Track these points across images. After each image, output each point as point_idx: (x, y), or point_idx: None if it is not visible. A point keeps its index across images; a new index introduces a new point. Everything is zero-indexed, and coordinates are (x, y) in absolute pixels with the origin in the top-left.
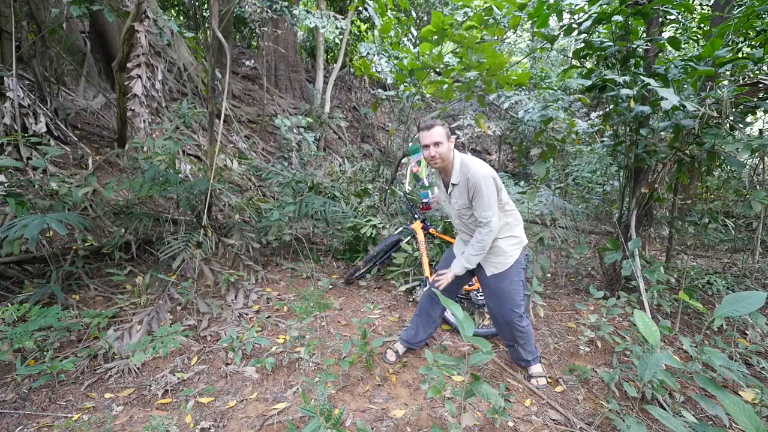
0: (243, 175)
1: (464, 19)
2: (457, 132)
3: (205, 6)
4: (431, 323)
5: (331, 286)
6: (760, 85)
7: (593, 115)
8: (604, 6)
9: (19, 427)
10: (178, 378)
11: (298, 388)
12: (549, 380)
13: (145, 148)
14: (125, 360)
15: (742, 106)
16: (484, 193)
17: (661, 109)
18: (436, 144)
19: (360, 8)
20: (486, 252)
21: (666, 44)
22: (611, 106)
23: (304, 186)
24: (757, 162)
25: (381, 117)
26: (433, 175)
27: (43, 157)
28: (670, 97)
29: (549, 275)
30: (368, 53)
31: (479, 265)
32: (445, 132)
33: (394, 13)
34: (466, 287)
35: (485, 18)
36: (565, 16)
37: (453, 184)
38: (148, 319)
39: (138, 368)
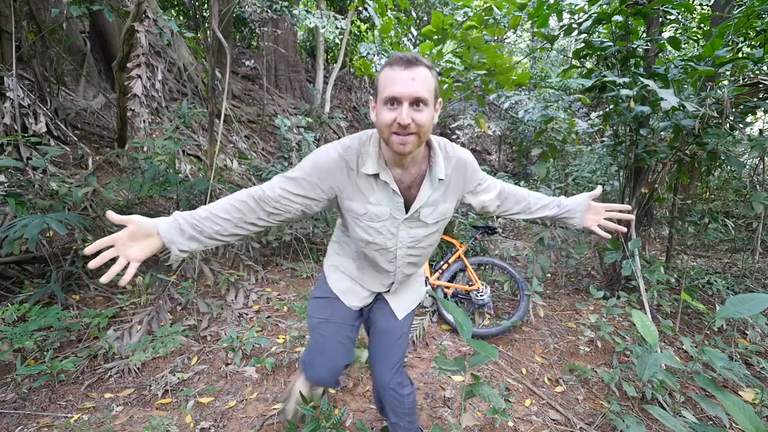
0: (243, 175)
1: (464, 19)
2: (458, 132)
3: (205, 6)
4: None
5: None
6: (760, 85)
7: (593, 115)
8: (604, 6)
9: (19, 427)
10: (178, 378)
11: None
12: (549, 380)
13: (145, 148)
14: (125, 360)
15: (742, 106)
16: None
17: (661, 109)
18: (418, 102)
19: (360, 8)
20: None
21: (666, 44)
22: (611, 106)
23: None
24: (757, 162)
25: None
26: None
27: (43, 157)
28: (669, 98)
29: (549, 275)
30: (368, 53)
31: (381, 308)
32: (434, 84)
33: (394, 13)
34: (466, 287)
35: (485, 18)
36: (565, 16)
37: (440, 180)
38: (148, 319)
39: (138, 368)
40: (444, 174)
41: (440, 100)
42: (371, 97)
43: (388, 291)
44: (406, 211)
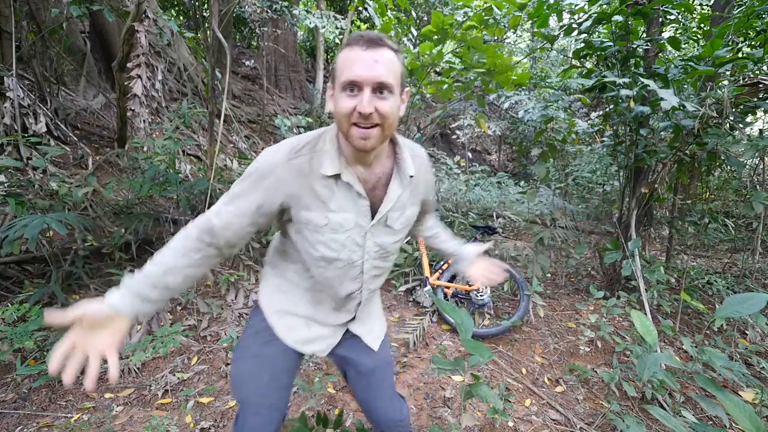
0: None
1: (464, 19)
2: (458, 132)
3: (205, 6)
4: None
5: None
6: (760, 85)
7: (593, 115)
8: (604, 6)
9: (19, 427)
10: (178, 378)
11: (297, 389)
12: (549, 380)
13: (145, 148)
14: (125, 360)
15: (742, 106)
16: None
17: (661, 109)
18: (381, 89)
19: (360, 8)
20: None
21: (666, 44)
22: (611, 107)
23: None
24: (757, 162)
25: None
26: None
27: (43, 157)
28: (669, 98)
29: (549, 275)
30: None
31: (354, 345)
32: (401, 69)
33: (394, 13)
34: (466, 287)
35: (485, 18)
36: (565, 16)
37: (410, 177)
38: (148, 319)
39: (138, 368)
40: (413, 170)
41: (407, 89)
42: (329, 83)
43: (354, 318)
44: (372, 216)
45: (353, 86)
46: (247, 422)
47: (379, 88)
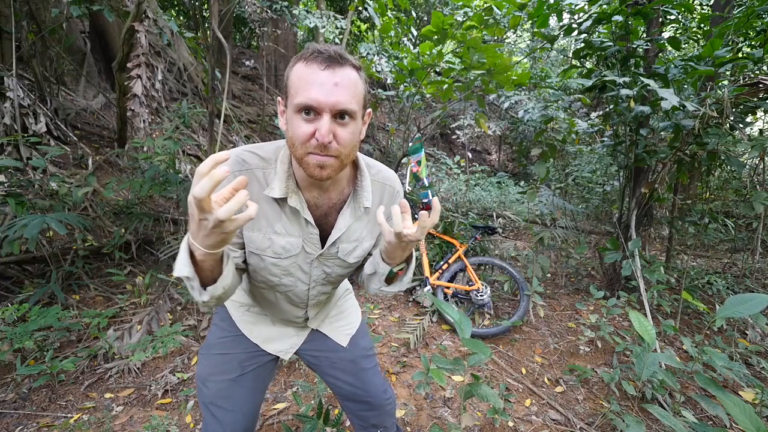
0: None
1: (464, 19)
2: (458, 132)
3: (205, 6)
4: None
5: None
6: (760, 85)
7: (593, 115)
8: (604, 6)
9: (19, 427)
10: (178, 378)
11: (297, 389)
12: (549, 380)
13: (145, 148)
14: (125, 360)
15: (742, 106)
16: None
17: (661, 109)
18: (342, 115)
19: (360, 8)
20: None
21: (666, 44)
22: (611, 106)
23: None
24: (757, 162)
25: (381, 117)
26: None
27: (43, 157)
28: (670, 98)
29: (549, 275)
30: (368, 53)
31: (325, 342)
32: (364, 90)
33: (394, 13)
34: (466, 287)
35: (485, 18)
36: (565, 16)
37: (366, 209)
38: (148, 319)
39: (138, 368)
40: (371, 201)
41: (369, 110)
42: (279, 98)
43: (307, 320)
44: (323, 245)
45: (310, 110)
46: (209, 429)
47: (340, 115)
